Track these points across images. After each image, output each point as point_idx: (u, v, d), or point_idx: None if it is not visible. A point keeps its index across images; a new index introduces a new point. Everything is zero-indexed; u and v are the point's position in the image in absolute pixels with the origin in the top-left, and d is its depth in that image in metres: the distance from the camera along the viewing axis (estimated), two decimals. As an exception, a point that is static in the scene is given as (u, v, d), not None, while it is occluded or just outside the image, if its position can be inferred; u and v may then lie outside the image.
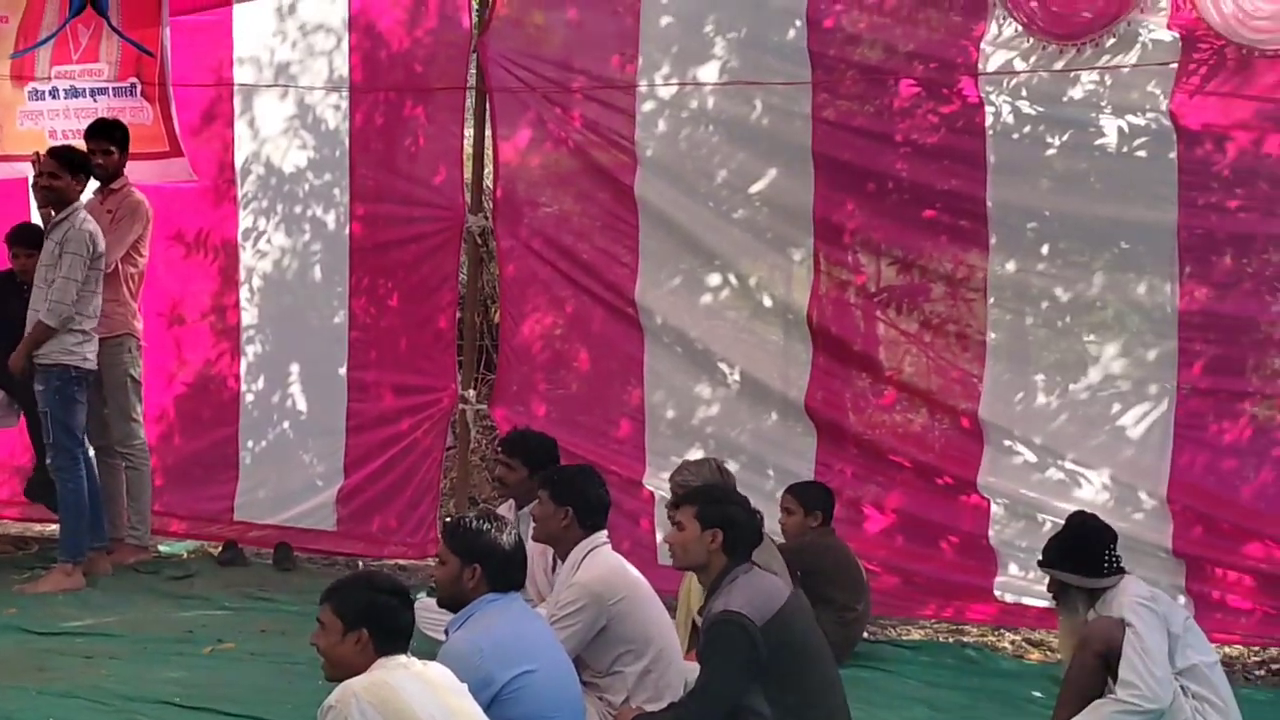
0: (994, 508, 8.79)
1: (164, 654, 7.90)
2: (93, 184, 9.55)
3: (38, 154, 9.42)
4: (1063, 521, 7.00)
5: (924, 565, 8.97)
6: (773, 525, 7.91)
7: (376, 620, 4.86)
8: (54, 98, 10.32)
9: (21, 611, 8.61)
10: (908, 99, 8.99)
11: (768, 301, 9.37)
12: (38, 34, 10.23)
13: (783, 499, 8.31)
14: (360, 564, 9.89)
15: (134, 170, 9.81)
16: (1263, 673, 8.51)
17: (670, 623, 6.65)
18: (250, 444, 10.33)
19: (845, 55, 9.07)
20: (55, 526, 9.80)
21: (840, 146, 9.06)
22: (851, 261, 9.20)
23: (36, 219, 9.68)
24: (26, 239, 9.54)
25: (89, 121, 9.81)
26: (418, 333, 10.00)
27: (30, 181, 9.61)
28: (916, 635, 9.05)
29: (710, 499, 6.11)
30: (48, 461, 9.33)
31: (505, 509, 7.67)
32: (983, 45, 8.73)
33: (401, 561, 9.97)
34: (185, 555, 10.30)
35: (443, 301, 9.96)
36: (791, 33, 9.08)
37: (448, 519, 6.04)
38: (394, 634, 4.89)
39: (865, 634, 8.43)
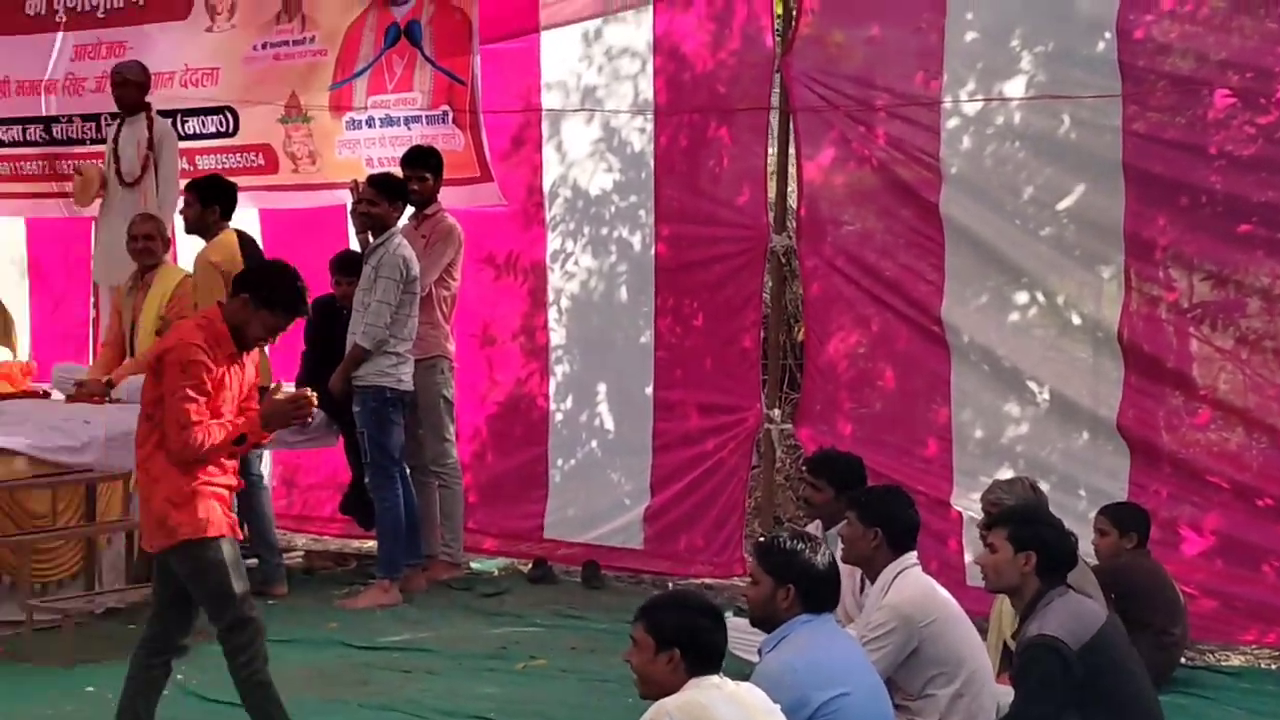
0: (1319, 530, 8.51)
1: (478, 669, 8.08)
2: (408, 210, 9.78)
3: (356, 181, 9.74)
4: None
5: (1244, 589, 8.68)
6: (1086, 547, 7.75)
7: (689, 640, 4.86)
8: (370, 127, 10.65)
9: (342, 626, 8.89)
10: (1222, 110, 8.75)
11: (1076, 319, 9.21)
12: (355, 66, 10.61)
13: (1096, 520, 8.14)
14: (670, 583, 9.95)
15: (446, 195, 10.02)
16: None
17: (982, 645, 6.55)
18: (559, 462, 10.52)
19: (1156, 66, 8.85)
20: (373, 543, 10.08)
21: (1151, 160, 8.84)
22: (1163, 277, 8.99)
23: (354, 244, 9.98)
24: (348, 267, 9.80)
25: (404, 149, 10.06)
26: (722, 352, 10.05)
27: (349, 208, 9.92)
28: (1237, 661, 8.77)
29: (1023, 520, 6.01)
30: (366, 481, 9.61)
31: (812, 529, 7.65)
32: (1302, 52, 8.49)
33: (708, 580, 10.01)
34: (496, 572, 10.48)
35: (747, 321, 10.00)
36: (1101, 45, 8.89)
37: (760, 539, 6.04)
38: (706, 654, 4.88)
39: (1183, 659, 8.21)
